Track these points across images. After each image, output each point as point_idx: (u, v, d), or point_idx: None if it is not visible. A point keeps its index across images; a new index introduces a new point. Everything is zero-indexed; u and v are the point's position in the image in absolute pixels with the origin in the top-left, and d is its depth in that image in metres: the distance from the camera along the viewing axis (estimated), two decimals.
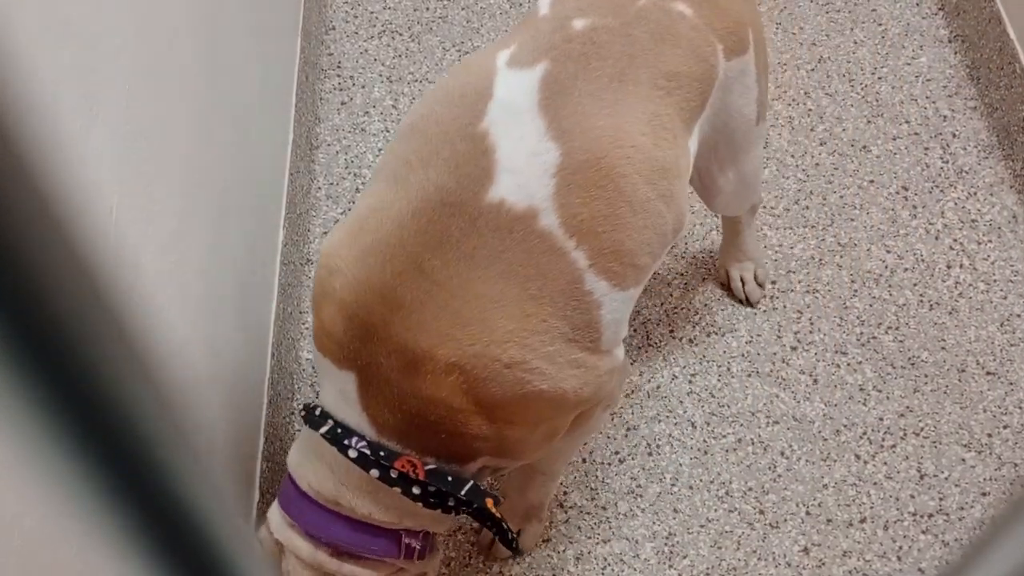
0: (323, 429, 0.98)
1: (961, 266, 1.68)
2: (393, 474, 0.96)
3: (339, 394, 0.98)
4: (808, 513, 1.44)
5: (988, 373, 1.57)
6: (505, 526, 1.06)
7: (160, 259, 1.02)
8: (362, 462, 0.96)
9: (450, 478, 0.98)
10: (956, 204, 1.76)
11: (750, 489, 1.46)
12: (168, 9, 1.09)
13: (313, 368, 1.57)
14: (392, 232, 0.96)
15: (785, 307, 1.64)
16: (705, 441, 1.50)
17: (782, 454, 1.49)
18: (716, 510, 1.44)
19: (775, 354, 1.59)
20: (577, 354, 0.99)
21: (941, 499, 1.45)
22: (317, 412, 1.01)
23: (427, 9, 2.04)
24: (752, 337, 1.61)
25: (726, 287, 1.65)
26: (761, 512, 1.44)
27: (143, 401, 0.21)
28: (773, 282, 1.66)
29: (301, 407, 1.12)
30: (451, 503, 1.00)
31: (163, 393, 0.21)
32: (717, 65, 1.11)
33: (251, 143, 1.43)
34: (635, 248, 1.01)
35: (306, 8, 1.85)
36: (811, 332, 1.61)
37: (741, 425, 1.52)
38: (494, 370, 0.94)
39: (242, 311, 1.32)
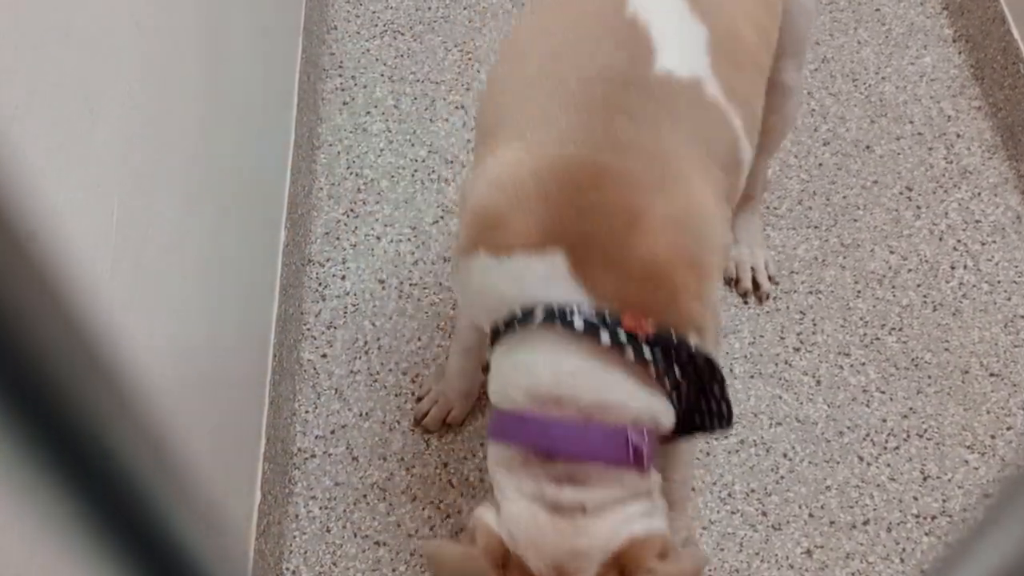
0: (538, 317, 0.95)
1: (965, 267, 1.68)
2: (622, 337, 0.93)
3: (542, 280, 0.95)
4: (811, 515, 1.44)
5: (992, 374, 1.56)
6: (727, 385, 1.03)
7: (161, 260, 1.02)
8: (591, 330, 0.93)
9: (673, 336, 0.95)
10: (960, 204, 1.75)
11: (753, 491, 1.46)
12: (170, 10, 1.09)
13: (315, 368, 1.56)
14: (562, 110, 0.98)
15: (788, 308, 1.63)
16: (707, 442, 1.50)
17: (785, 456, 1.49)
18: (718, 512, 1.44)
19: (778, 355, 1.58)
20: (726, 213, 1.04)
21: (944, 501, 1.45)
22: (519, 313, 0.97)
23: (429, 8, 2.03)
24: (755, 338, 1.60)
25: (731, 284, 1.65)
26: (764, 514, 1.44)
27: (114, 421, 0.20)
28: (776, 283, 1.65)
29: (492, 328, 1.03)
30: (676, 371, 0.96)
31: (134, 409, 0.21)
32: None
33: (252, 143, 1.43)
34: (759, 115, 1.10)
35: (308, 7, 1.85)
36: (814, 333, 1.61)
37: (744, 426, 1.51)
38: (695, 226, 0.97)
39: (243, 312, 1.32)
